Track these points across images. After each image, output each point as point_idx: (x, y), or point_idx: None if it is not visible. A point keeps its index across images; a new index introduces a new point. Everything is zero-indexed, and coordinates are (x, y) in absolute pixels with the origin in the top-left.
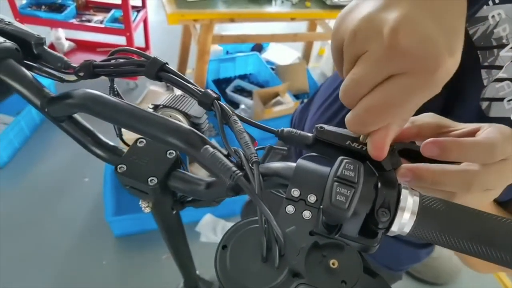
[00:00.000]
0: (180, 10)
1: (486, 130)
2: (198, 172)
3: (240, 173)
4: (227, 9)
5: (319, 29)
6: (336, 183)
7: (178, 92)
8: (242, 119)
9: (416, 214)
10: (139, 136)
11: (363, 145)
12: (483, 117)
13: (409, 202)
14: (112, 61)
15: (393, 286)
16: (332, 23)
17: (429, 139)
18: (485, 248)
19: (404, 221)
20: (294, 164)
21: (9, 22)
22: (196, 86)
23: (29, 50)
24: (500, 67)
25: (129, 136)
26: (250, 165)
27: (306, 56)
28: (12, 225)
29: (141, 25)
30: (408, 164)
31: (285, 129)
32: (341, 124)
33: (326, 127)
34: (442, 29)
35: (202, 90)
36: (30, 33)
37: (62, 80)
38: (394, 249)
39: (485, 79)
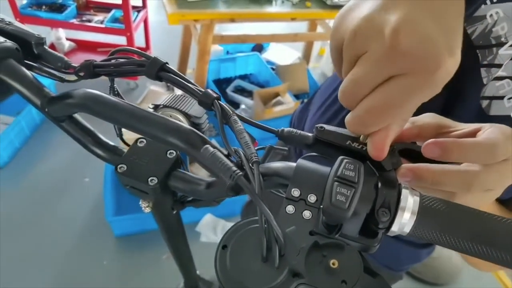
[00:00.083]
0: (181, 10)
1: (487, 130)
2: (198, 172)
3: (240, 173)
4: (227, 9)
5: (319, 29)
6: (336, 183)
7: (178, 92)
8: (242, 119)
9: (416, 214)
10: (139, 136)
11: (363, 145)
12: (484, 116)
13: (410, 202)
14: (113, 61)
15: (393, 286)
16: (332, 23)
17: (430, 140)
18: (485, 248)
19: (405, 221)
20: (294, 164)
21: (9, 22)
22: (196, 86)
23: (29, 50)
24: (499, 65)
25: (129, 136)
26: (250, 165)
27: (306, 56)
28: (12, 225)
29: (142, 25)
30: (408, 164)
31: (285, 129)
32: (341, 125)
33: (326, 127)
34: (442, 29)
35: (203, 90)
36: (30, 33)
37: (62, 80)
38: (394, 249)
39: (484, 77)
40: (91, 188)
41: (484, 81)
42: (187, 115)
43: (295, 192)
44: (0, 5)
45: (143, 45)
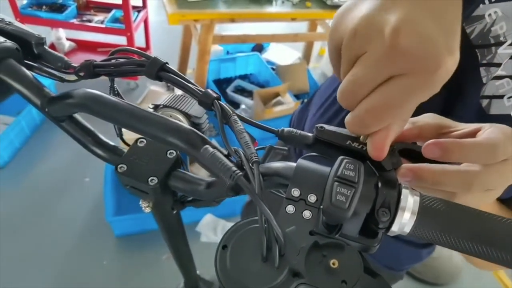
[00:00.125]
0: (181, 10)
1: (487, 130)
2: (199, 172)
3: (240, 173)
4: (227, 9)
5: (319, 29)
6: (336, 183)
7: (178, 92)
8: (242, 119)
9: (416, 214)
10: (139, 136)
11: (363, 145)
12: (484, 115)
13: (410, 202)
14: (113, 61)
15: (393, 286)
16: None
17: (431, 141)
18: (485, 248)
19: (405, 221)
20: (294, 164)
21: (9, 22)
22: (196, 86)
23: (29, 50)
24: (498, 65)
25: (130, 136)
26: (250, 165)
27: (306, 56)
28: (13, 225)
29: (142, 25)
30: (408, 164)
31: (286, 129)
32: (341, 125)
33: (327, 126)
34: (442, 29)
35: (203, 90)
36: (30, 33)
37: (62, 80)
38: (394, 249)
39: (484, 76)
40: (91, 188)
41: (484, 80)
42: (187, 115)
43: (295, 192)
44: (0, 5)
45: (143, 45)
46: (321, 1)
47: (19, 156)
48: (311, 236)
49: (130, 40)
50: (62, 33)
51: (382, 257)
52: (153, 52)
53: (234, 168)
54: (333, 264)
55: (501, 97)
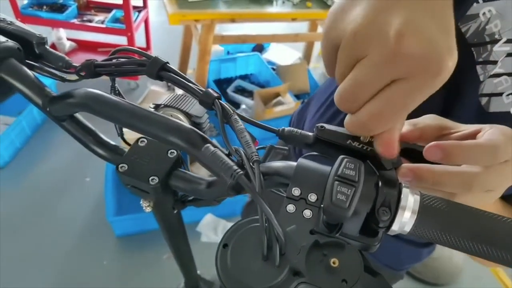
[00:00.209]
0: (181, 10)
1: (488, 132)
2: (199, 172)
3: (241, 172)
4: (228, 9)
5: (320, 29)
6: (336, 182)
7: (179, 92)
8: (243, 118)
9: (416, 213)
10: (140, 135)
11: (363, 144)
12: (483, 113)
13: (410, 201)
14: (113, 61)
15: (394, 286)
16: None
17: (432, 143)
18: (485, 247)
19: (405, 220)
20: (294, 163)
21: (10, 22)
22: (197, 85)
23: (30, 49)
24: (494, 62)
25: (130, 135)
26: (251, 164)
27: (307, 56)
28: (13, 224)
29: (142, 25)
30: (409, 164)
31: (286, 129)
32: (341, 125)
33: (327, 126)
34: (442, 30)
35: (203, 89)
36: (31, 32)
37: (63, 80)
38: (395, 248)
39: (481, 74)
40: (92, 188)
41: (481, 78)
42: (188, 115)
43: (296, 191)
44: (1, 5)
45: (143, 45)
46: (321, 1)
47: (20, 156)
48: (311, 235)
49: (131, 40)
50: (63, 33)
51: (383, 256)
52: (153, 52)
53: (235, 167)
54: (334, 263)
55: (500, 94)
